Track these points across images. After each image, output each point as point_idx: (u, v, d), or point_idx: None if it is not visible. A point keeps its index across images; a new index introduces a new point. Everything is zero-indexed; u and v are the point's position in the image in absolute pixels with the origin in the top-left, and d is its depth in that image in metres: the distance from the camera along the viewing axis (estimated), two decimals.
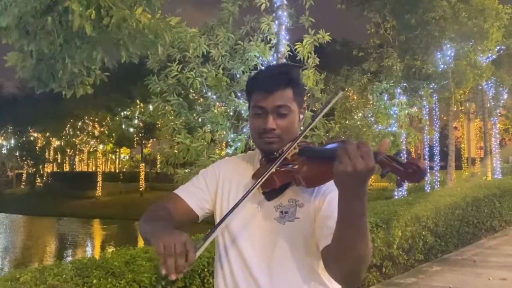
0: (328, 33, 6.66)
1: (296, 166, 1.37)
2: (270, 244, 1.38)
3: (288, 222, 1.37)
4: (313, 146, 1.44)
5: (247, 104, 6.38)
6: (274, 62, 6.35)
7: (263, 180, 1.34)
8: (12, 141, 49.50)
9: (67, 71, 3.63)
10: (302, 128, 1.53)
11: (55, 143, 48.13)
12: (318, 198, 1.38)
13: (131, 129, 38.40)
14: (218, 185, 1.54)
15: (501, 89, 20.64)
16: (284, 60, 6.40)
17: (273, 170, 1.35)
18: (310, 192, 1.39)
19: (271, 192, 1.41)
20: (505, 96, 21.37)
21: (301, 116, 1.49)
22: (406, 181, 1.11)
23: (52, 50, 3.56)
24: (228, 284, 1.45)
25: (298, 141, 1.39)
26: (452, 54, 14.10)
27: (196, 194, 1.52)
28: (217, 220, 1.49)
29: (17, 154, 49.70)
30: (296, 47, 6.72)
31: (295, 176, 1.36)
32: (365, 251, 1.18)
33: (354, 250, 1.17)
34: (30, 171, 50.94)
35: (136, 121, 37.12)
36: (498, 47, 15.36)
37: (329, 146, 1.33)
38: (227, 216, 1.33)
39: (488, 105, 20.44)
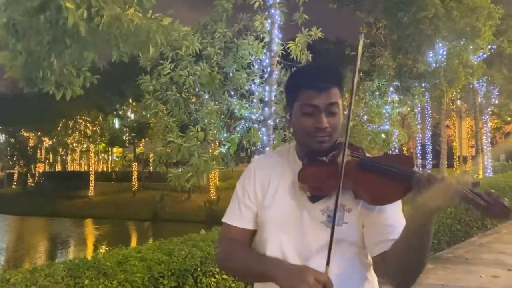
0: (320, 29, 6.67)
1: (357, 179, 1.35)
2: (316, 246, 1.38)
3: (336, 226, 1.35)
4: (372, 159, 1.42)
5: (240, 103, 6.30)
6: (267, 61, 6.34)
7: (339, 195, 1.31)
8: (3, 141, 49.07)
9: (54, 71, 3.58)
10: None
11: (47, 142, 47.78)
12: (365, 204, 1.39)
13: (124, 128, 38.21)
14: (256, 189, 1.52)
15: (492, 87, 20.81)
16: (277, 59, 6.40)
17: (341, 182, 1.32)
18: (354, 196, 1.39)
19: (318, 196, 1.40)
20: (496, 95, 21.57)
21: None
22: (488, 217, 1.16)
23: (41, 49, 3.52)
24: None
25: (347, 142, 1.36)
26: (445, 53, 14.19)
27: (246, 215, 1.52)
28: (259, 218, 1.51)
29: (8, 153, 49.26)
30: (289, 45, 6.72)
31: (356, 190, 1.36)
32: (424, 265, 1.29)
33: (415, 264, 1.28)
34: (21, 171, 50.52)
35: (128, 120, 36.93)
36: (489, 46, 15.49)
37: (394, 165, 1.33)
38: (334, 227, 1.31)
39: (479, 102, 20.59)
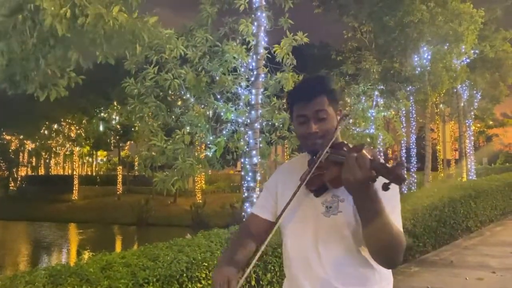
0: (306, 34, 6.68)
1: (325, 171, 1.57)
2: (319, 234, 1.62)
3: (333, 215, 1.60)
4: (338, 152, 1.58)
5: (226, 106, 6.28)
6: (254, 64, 6.31)
7: (297, 191, 1.61)
8: None
9: (40, 72, 3.50)
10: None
11: (30, 146, 47.01)
12: None
13: (109, 131, 37.79)
14: (278, 189, 1.81)
15: (474, 91, 21.12)
16: (263, 62, 6.38)
17: (307, 178, 1.59)
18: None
19: (316, 190, 1.64)
20: (479, 99, 21.89)
21: (338, 118, 1.71)
22: (392, 183, 1.31)
23: (24, 50, 3.44)
24: (288, 266, 1.73)
25: (326, 149, 1.57)
26: (429, 57, 14.35)
27: (266, 206, 1.83)
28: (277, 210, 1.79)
29: None
30: (274, 49, 6.72)
31: (323, 180, 1.58)
32: (390, 241, 1.44)
33: (379, 241, 1.44)
34: (3, 175, 49.59)
35: (113, 123, 36.54)
36: (472, 51, 15.72)
37: (341, 152, 1.54)
38: (275, 226, 1.66)
39: (463, 106, 20.85)
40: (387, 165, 1.32)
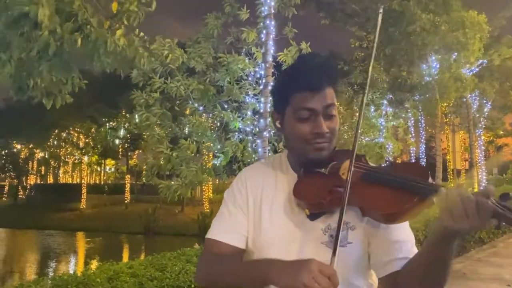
0: (309, 44, 6.69)
1: (365, 194, 1.17)
2: None
3: (340, 247, 1.15)
4: (382, 169, 1.26)
5: (233, 116, 6.20)
6: (262, 72, 6.29)
7: (343, 213, 1.12)
8: None
9: (44, 79, 3.49)
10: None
11: (39, 154, 47.36)
12: (371, 220, 1.22)
13: (117, 140, 37.98)
14: (249, 204, 1.34)
15: (484, 101, 20.95)
16: (272, 70, 6.35)
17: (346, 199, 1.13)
18: (360, 213, 1.21)
19: (318, 213, 1.22)
20: (489, 108, 21.70)
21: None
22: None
23: (30, 57, 3.43)
24: None
25: (355, 151, 1.19)
26: (438, 66, 14.26)
27: (234, 229, 1.32)
28: (252, 240, 1.31)
29: None
30: (279, 57, 6.70)
31: (364, 206, 1.18)
32: (445, 282, 1.13)
33: (437, 284, 1.13)
34: (12, 183, 49.94)
35: (121, 132, 36.74)
36: (480, 61, 15.59)
37: (410, 176, 1.15)
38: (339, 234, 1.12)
39: (473, 116, 20.68)
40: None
